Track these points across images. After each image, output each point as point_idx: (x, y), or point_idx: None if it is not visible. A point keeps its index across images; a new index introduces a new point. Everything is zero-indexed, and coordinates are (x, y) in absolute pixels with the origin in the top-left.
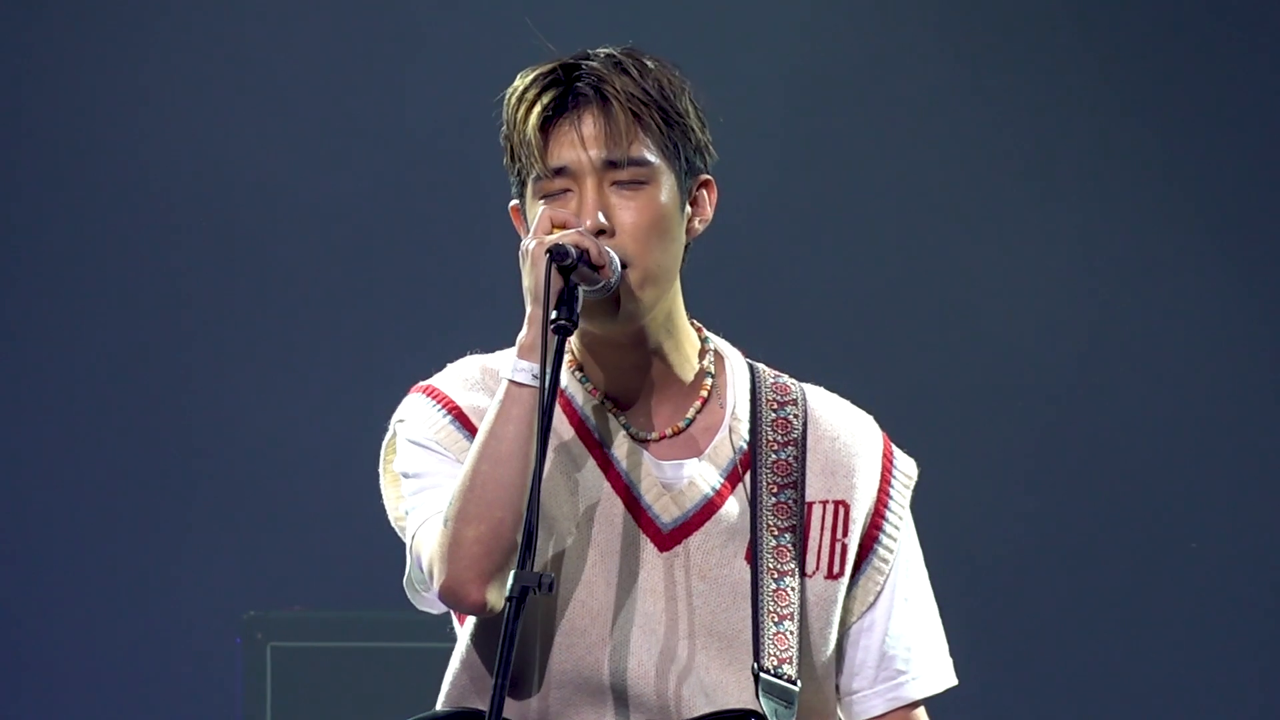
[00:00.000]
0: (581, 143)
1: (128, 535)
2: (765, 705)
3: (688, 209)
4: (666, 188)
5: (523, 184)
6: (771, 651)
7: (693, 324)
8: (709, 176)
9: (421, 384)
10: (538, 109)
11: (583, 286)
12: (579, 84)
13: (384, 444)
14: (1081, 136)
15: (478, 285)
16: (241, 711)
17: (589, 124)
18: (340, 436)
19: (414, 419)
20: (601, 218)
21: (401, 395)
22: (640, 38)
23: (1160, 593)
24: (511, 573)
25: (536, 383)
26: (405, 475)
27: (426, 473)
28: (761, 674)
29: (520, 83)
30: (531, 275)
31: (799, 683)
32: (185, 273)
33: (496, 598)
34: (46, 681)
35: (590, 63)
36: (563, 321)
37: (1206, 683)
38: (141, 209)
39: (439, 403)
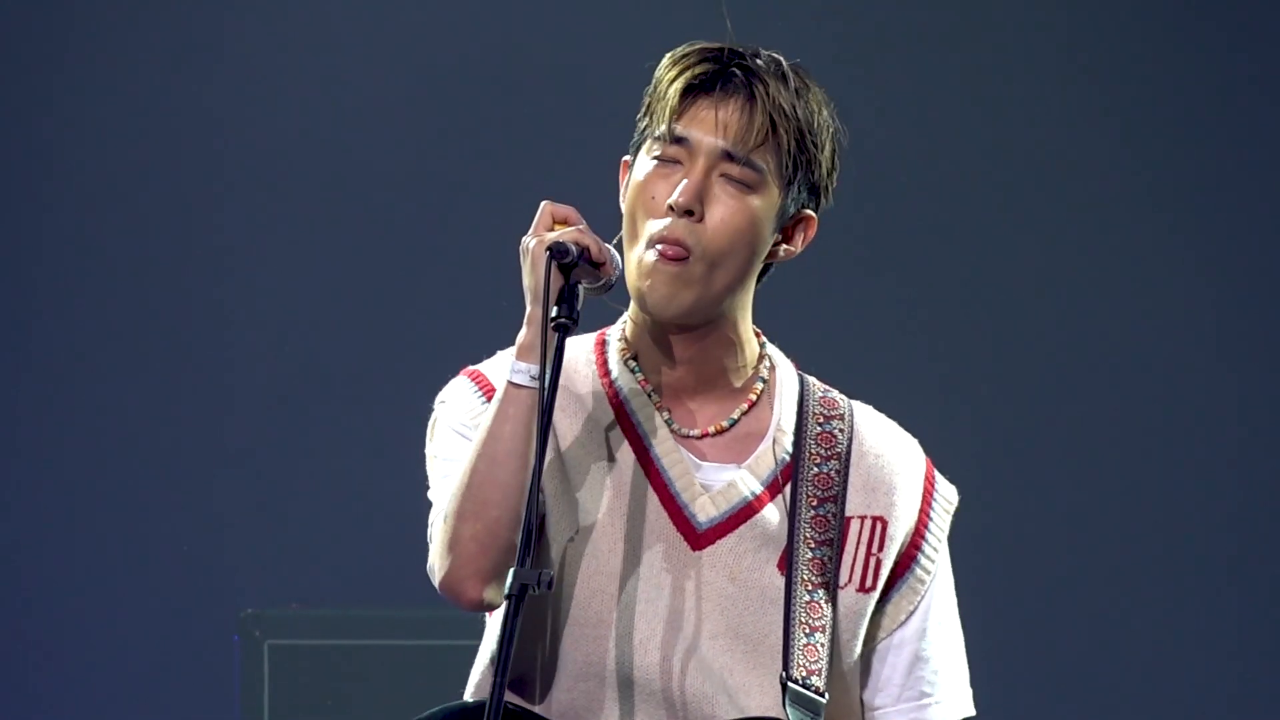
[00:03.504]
0: (714, 123)
1: (124, 532)
2: (791, 715)
3: (779, 235)
4: (768, 203)
5: (641, 143)
6: (801, 662)
7: (754, 331)
8: (813, 214)
9: (470, 367)
10: (687, 74)
11: (583, 284)
12: (735, 71)
13: (429, 425)
14: (1119, 137)
15: (479, 283)
16: (239, 709)
17: (729, 109)
18: (339, 433)
19: (453, 402)
20: (684, 195)
21: (398, 393)
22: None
23: (1183, 606)
24: (510, 570)
25: (534, 384)
26: (437, 458)
27: (456, 458)
28: (790, 684)
29: (683, 48)
30: (531, 274)
31: (826, 695)
32: (180, 266)
33: (493, 595)
34: (43, 680)
35: (756, 58)
36: (563, 320)
37: (1223, 687)
38: (140, 198)
39: (480, 387)
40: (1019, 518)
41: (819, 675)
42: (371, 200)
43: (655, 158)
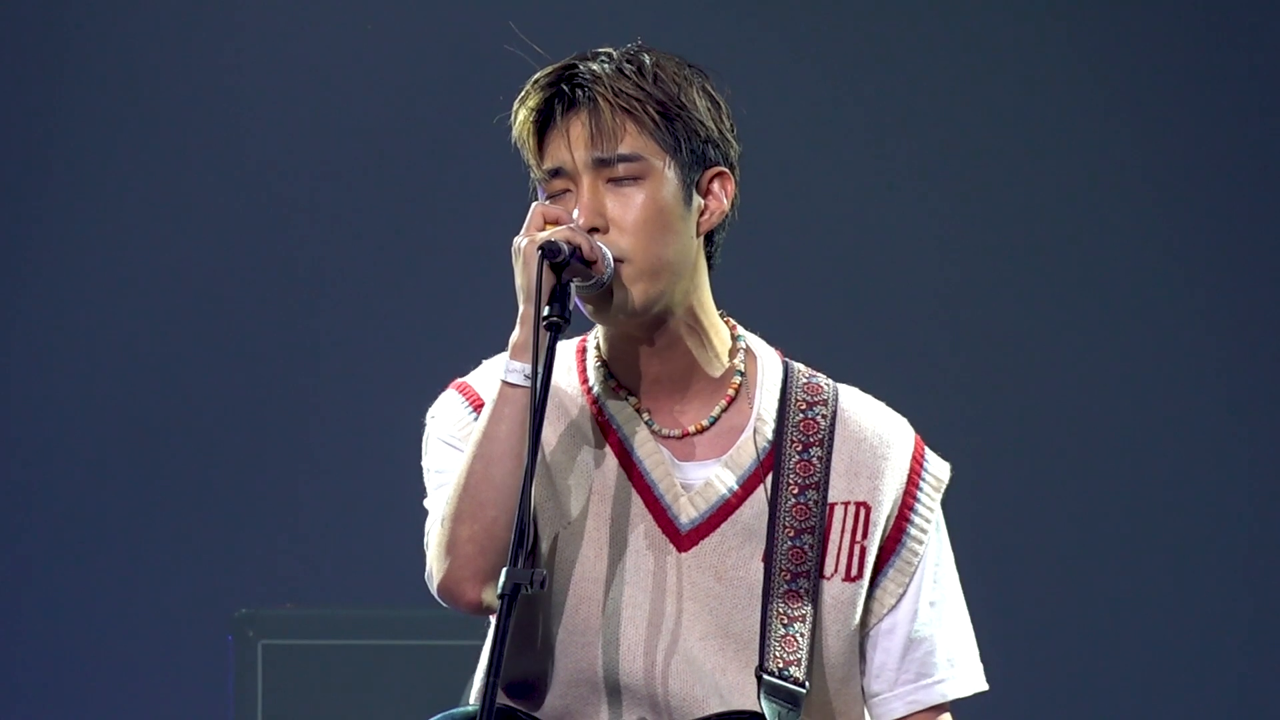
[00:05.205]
0: (570, 142)
1: (118, 532)
2: (767, 708)
3: (697, 201)
4: (666, 182)
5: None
6: (778, 653)
7: (726, 321)
8: (723, 168)
9: (458, 380)
10: (530, 113)
11: (575, 282)
12: (566, 85)
13: (424, 440)
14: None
15: (476, 285)
16: (233, 709)
17: (577, 125)
18: (333, 434)
19: (442, 416)
20: (582, 216)
21: (393, 394)
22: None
23: (1190, 595)
24: (503, 570)
25: (528, 383)
26: (430, 471)
27: (448, 469)
28: (765, 676)
29: (524, 88)
30: (524, 273)
31: (807, 685)
32: (177, 266)
33: (491, 596)
34: (37, 680)
35: (587, 64)
36: (555, 319)
37: (1231, 684)
38: (143, 201)
39: (468, 400)
40: (1020, 514)
41: (798, 666)
42: (365, 201)
43: (550, 198)
